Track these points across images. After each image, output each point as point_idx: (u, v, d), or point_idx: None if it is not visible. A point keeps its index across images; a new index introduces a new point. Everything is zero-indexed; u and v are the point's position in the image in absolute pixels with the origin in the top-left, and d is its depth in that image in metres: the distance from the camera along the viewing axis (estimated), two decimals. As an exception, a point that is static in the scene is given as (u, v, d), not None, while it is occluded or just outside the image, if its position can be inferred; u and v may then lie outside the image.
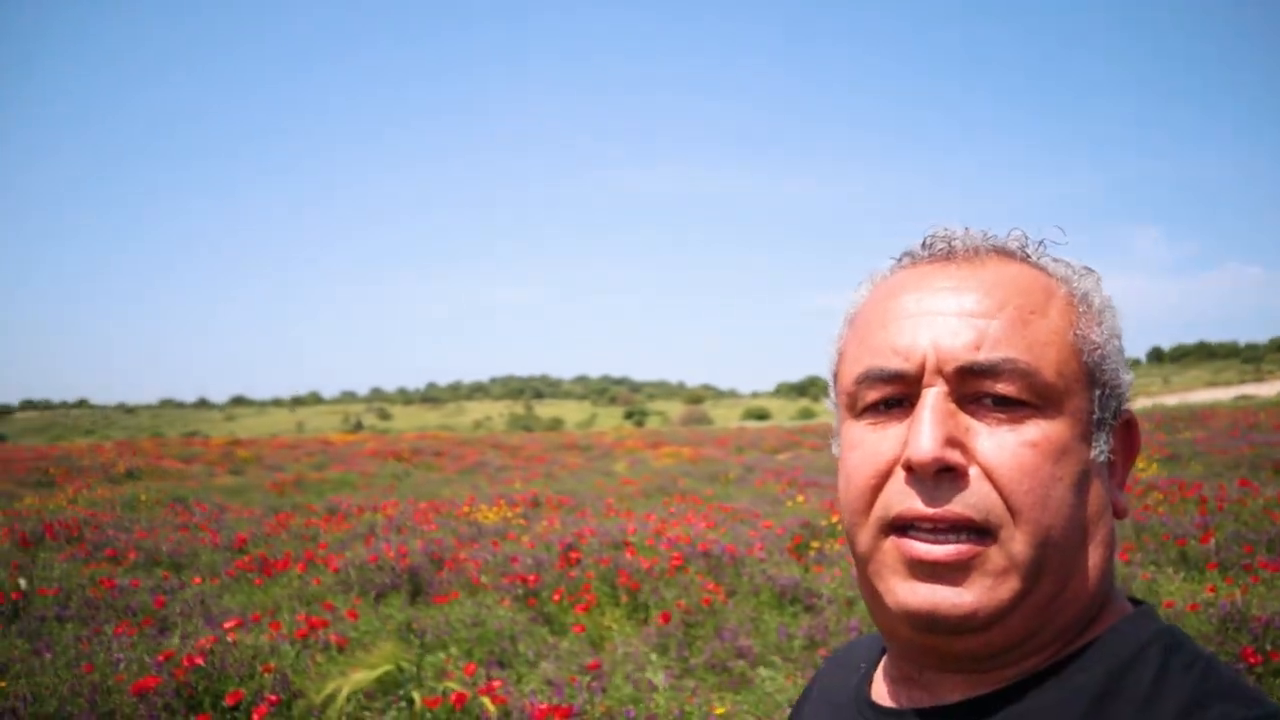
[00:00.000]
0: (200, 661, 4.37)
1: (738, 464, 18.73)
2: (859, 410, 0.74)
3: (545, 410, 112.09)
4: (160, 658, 4.53)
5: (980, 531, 0.67)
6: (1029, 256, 0.75)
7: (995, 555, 0.66)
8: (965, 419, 0.68)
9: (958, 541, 0.66)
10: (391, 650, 3.78)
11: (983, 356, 0.68)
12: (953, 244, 0.75)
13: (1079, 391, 0.70)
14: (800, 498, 11.61)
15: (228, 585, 7.34)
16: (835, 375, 0.80)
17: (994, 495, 0.66)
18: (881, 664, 0.83)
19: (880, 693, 0.79)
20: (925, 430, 0.67)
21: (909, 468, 0.68)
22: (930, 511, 0.67)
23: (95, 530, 10.17)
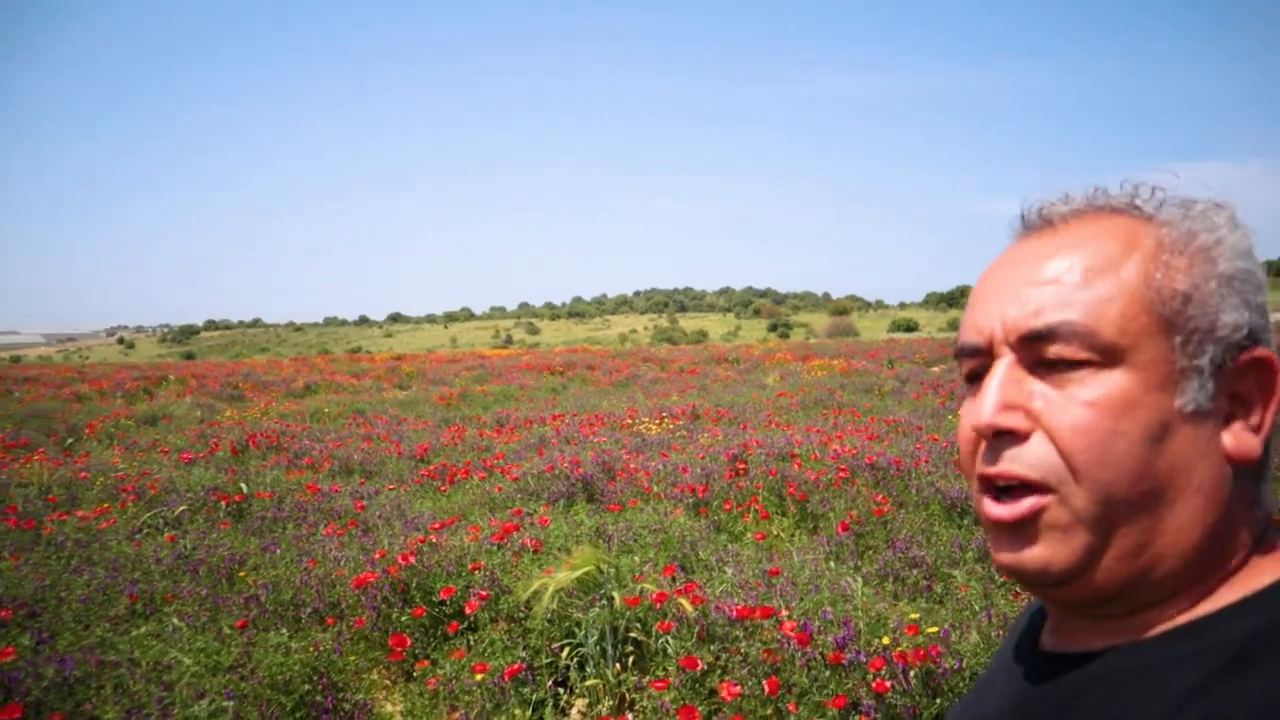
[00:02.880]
0: (412, 560, 4.78)
1: (891, 377, 18.49)
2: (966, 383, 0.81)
3: (689, 324, 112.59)
4: (377, 555, 4.97)
5: (1043, 491, 0.71)
6: (1137, 206, 0.75)
7: (1057, 512, 0.70)
8: (1032, 384, 0.72)
9: (1017, 500, 0.72)
10: (591, 553, 4.04)
11: (1039, 323, 0.72)
12: (1044, 213, 0.78)
13: (1151, 343, 0.70)
14: (960, 411, 11.45)
15: (415, 492, 7.87)
16: None
17: (1054, 455, 0.70)
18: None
19: (1047, 638, 0.84)
20: (985, 397, 0.73)
21: (977, 432, 0.74)
22: (990, 470, 0.73)
23: (291, 440, 11.03)
